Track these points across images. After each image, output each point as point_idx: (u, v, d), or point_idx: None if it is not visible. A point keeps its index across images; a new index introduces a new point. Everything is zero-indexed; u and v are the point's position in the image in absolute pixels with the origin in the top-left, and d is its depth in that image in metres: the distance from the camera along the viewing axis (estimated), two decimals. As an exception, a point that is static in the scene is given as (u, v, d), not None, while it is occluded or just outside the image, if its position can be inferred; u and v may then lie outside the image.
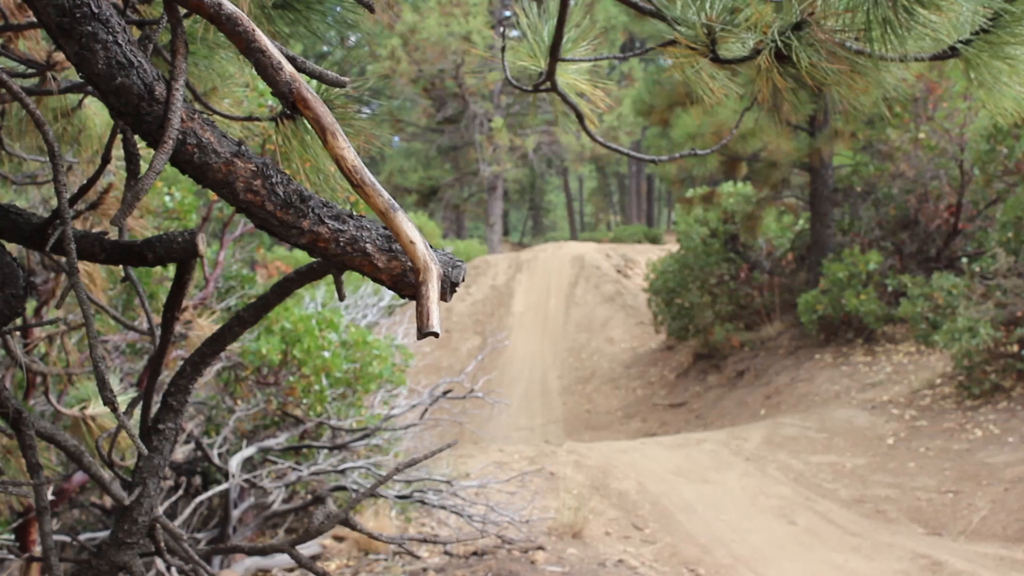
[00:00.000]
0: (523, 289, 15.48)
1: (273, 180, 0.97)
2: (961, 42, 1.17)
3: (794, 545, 4.36)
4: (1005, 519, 4.85)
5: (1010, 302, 6.51)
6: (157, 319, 1.37)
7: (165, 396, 1.25)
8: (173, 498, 3.89)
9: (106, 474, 1.27)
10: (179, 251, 1.17)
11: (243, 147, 0.97)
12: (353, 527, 1.29)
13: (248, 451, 3.97)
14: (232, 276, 4.75)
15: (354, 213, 1.01)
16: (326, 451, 4.38)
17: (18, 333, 2.23)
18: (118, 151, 1.38)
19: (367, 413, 4.71)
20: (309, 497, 4.20)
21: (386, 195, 0.94)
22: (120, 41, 0.90)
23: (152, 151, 0.92)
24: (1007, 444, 5.77)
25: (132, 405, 1.35)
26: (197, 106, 1.28)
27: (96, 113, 1.77)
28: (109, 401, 1.03)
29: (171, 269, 1.27)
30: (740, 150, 9.16)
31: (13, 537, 2.61)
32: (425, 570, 3.85)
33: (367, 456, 4.61)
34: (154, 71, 0.93)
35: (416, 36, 19.33)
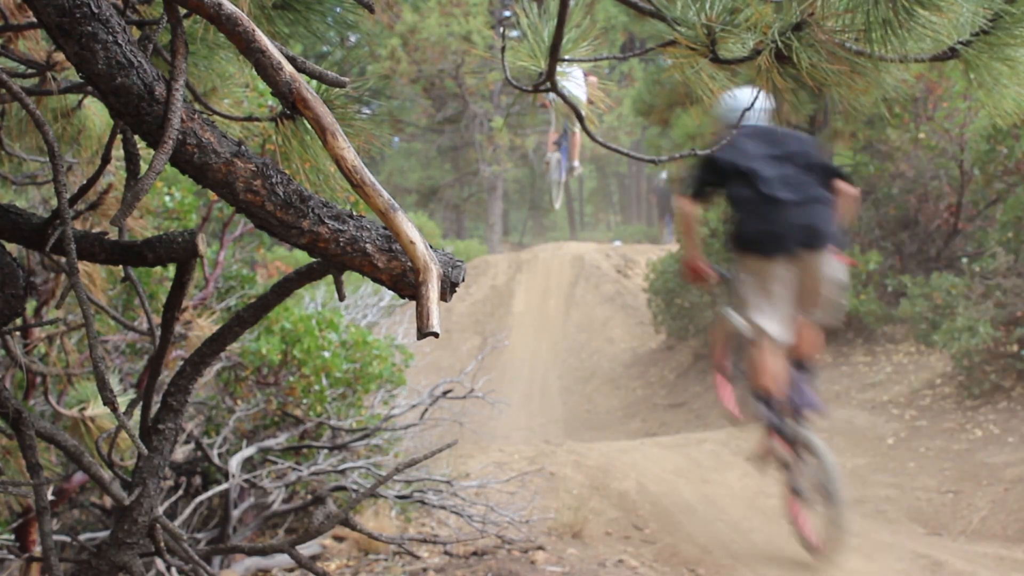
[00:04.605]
0: (523, 289, 15.46)
1: (273, 180, 0.97)
2: (961, 43, 1.17)
3: (794, 545, 4.35)
4: (1005, 519, 4.85)
5: (1010, 302, 6.51)
6: (157, 319, 1.36)
7: (165, 396, 1.25)
8: (173, 498, 3.89)
9: (106, 474, 1.27)
10: (179, 251, 1.17)
11: (243, 147, 0.97)
12: (353, 527, 1.29)
13: (248, 451, 3.97)
14: (232, 276, 4.75)
15: (354, 213, 1.01)
16: (326, 451, 4.38)
17: (18, 333, 2.23)
18: (118, 151, 1.38)
19: (367, 413, 4.71)
20: (309, 497, 4.20)
21: (386, 195, 0.94)
22: (120, 41, 0.90)
23: (152, 151, 0.93)
24: (1007, 444, 5.76)
25: (132, 405, 1.35)
26: (197, 106, 1.28)
27: (96, 113, 1.77)
28: (109, 401, 1.03)
29: (171, 269, 1.27)
30: (740, 150, 9.15)
31: (13, 537, 2.61)
32: (425, 570, 3.85)
33: (367, 456, 4.61)
34: (154, 71, 0.93)
35: (416, 36, 19.31)
